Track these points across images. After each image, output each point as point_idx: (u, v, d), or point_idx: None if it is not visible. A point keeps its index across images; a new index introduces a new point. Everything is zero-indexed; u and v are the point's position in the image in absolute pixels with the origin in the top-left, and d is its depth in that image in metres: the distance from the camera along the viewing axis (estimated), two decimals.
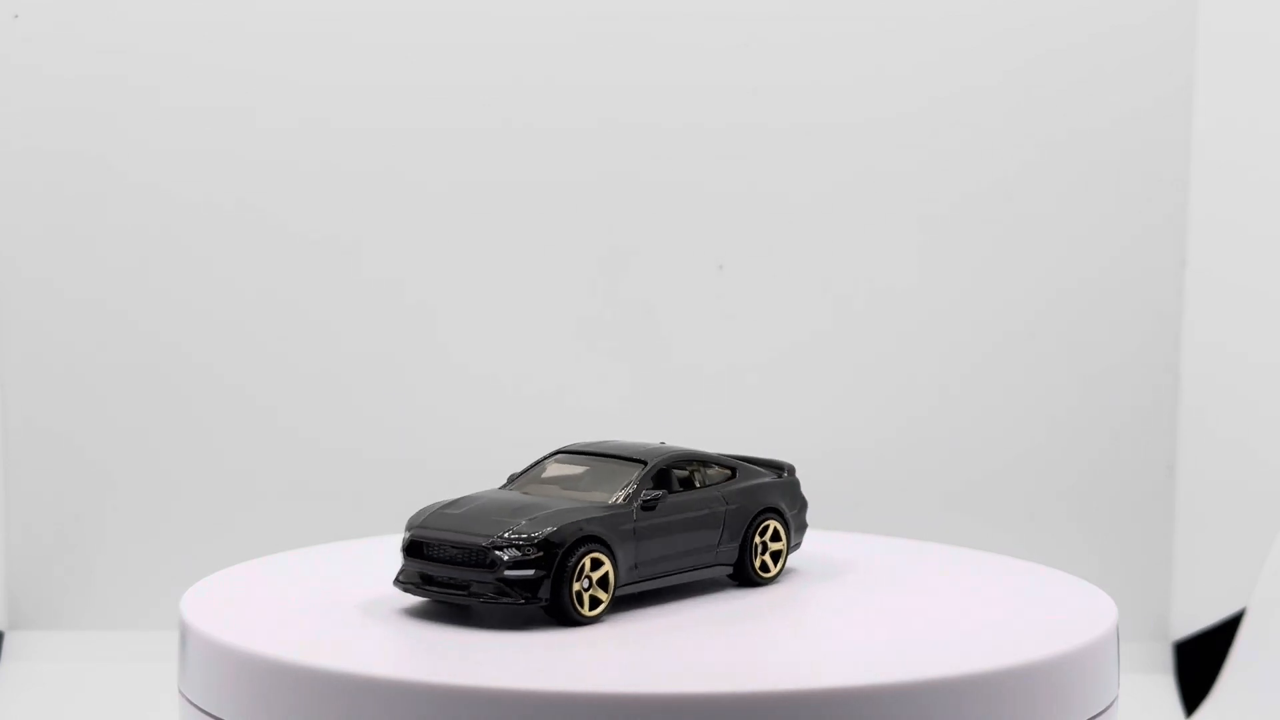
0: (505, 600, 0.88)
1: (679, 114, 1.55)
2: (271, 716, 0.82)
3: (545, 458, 0.98)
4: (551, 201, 1.56)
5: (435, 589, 0.89)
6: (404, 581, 0.91)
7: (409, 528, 0.91)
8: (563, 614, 0.88)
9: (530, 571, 0.87)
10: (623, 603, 0.92)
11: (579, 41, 1.54)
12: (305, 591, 0.96)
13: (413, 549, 0.90)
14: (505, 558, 0.88)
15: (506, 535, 0.88)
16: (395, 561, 1.02)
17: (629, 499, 0.92)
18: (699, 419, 1.56)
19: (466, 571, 0.88)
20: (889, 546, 1.10)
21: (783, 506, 0.99)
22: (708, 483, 0.96)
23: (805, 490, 1.03)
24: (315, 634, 0.87)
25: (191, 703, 0.88)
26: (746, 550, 0.96)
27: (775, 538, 0.97)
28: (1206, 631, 1.54)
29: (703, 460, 0.97)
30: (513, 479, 0.98)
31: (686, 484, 0.95)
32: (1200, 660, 1.54)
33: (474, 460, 1.51)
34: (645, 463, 0.94)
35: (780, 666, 0.82)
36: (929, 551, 1.08)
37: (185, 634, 0.89)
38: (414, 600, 0.94)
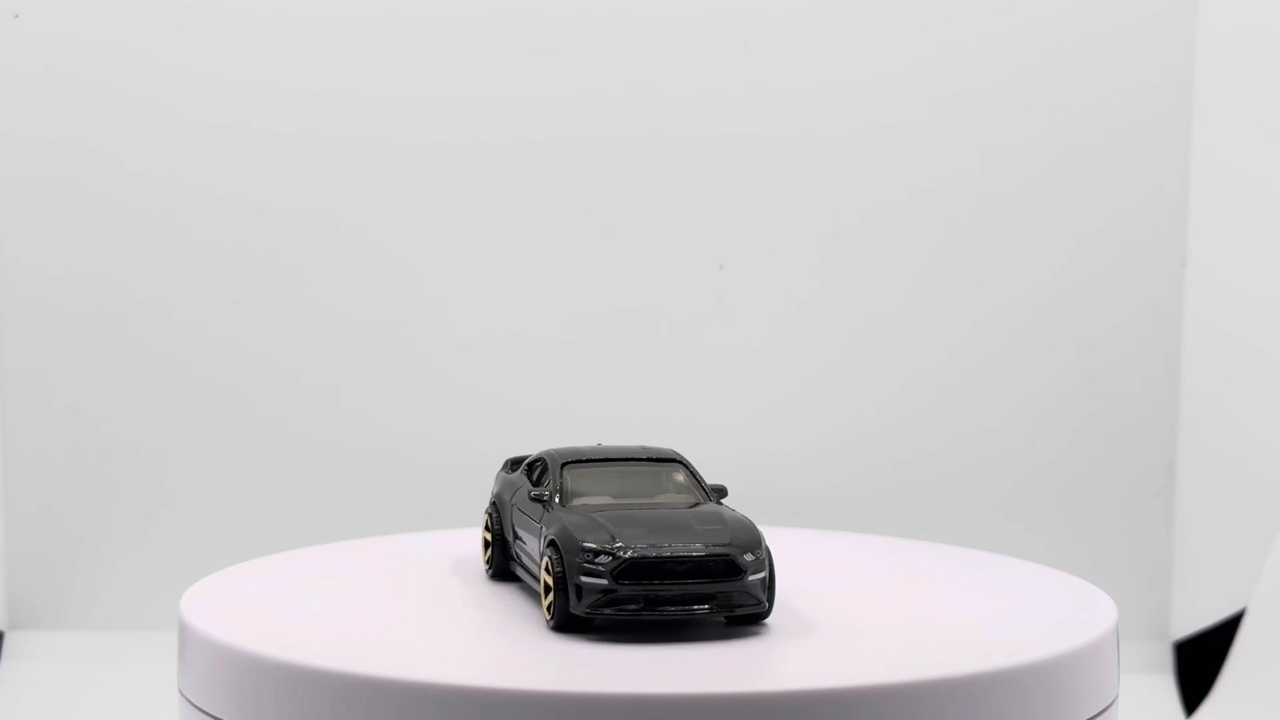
0: (749, 608, 0.87)
1: (679, 115, 1.55)
2: (271, 716, 0.82)
3: (542, 467, 0.96)
4: (551, 202, 1.56)
5: (672, 608, 0.85)
6: (617, 609, 0.85)
7: (620, 551, 0.85)
8: (762, 616, 0.88)
9: (763, 574, 0.87)
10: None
11: (579, 44, 1.54)
12: (305, 591, 0.96)
13: (632, 572, 0.85)
14: (750, 562, 0.86)
15: (740, 541, 0.87)
16: (396, 562, 1.02)
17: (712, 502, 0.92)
18: (698, 419, 1.56)
19: (710, 585, 0.86)
20: (889, 546, 1.10)
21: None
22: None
23: (805, 490, 1.02)
24: (315, 634, 0.87)
25: (191, 703, 0.88)
26: None
27: None
28: (1206, 631, 1.54)
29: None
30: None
31: None
32: (1200, 660, 1.54)
33: (474, 461, 1.51)
34: (682, 463, 0.95)
35: (779, 666, 0.82)
36: (929, 551, 1.09)
37: (185, 634, 0.89)
38: (413, 600, 0.94)
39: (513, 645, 0.86)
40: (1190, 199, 1.56)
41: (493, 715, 0.77)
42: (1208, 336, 1.56)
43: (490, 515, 0.99)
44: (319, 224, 1.55)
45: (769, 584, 0.87)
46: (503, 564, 0.98)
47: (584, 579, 0.85)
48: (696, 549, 0.86)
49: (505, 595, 0.95)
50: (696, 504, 0.92)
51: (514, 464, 1.02)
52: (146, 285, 1.55)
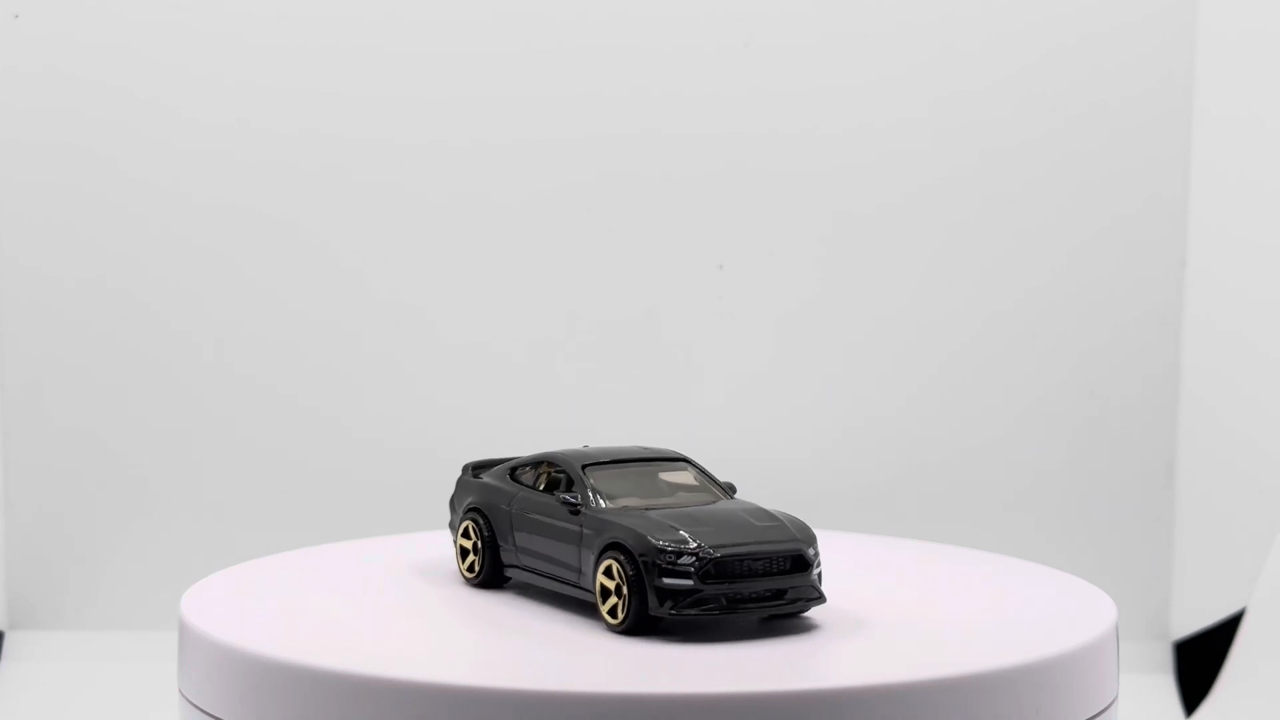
0: (813, 601, 0.88)
1: (679, 115, 1.55)
2: (271, 716, 0.82)
3: (551, 470, 0.95)
4: (552, 202, 1.56)
5: (751, 605, 0.86)
6: (702, 609, 0.85)
7: (704, 552, 0.85)
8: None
9: (821, 567, 0.89)
10: None
11: (579, 44, 1.54)
12: (305, 591, 0.96)
13: (715, 572, 0.86)
14: (813, 556, 0.88)
15: (803, 536, 0.88)
16: (396, 562, 1.02)
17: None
18: (698, 419, 1.56)
19: (783, 580, 0.87)
20: (889, 546, 1.10)
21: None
22: None
23: (804, 490, 1.02)
24: (315, 634, 0.87)
25: (191, 703, 0.88)
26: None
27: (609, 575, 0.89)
28: (1206, 631, 1.54)
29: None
30: (514, 472, 0.97)
31: None
32: (1200, 660, 1.54)
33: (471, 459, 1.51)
34: (690, 462, 0.96)
35: (779, 666, 0.82)
36: (929, 551, 1.09)
37: (185, 634, 0.89)
38: (413, 600, 0.94)
39: (512, 645, 0.86)
40: (1190, 199, 1.56)
41: (493, 715, 0.77)
42: (1208, 337, 1.56)
43: (475, 522, 0.96)
44: (319, 224, 1.55)
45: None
46: (492, 571, 0.96)
47: (666, 581, 0.85)
48: (771, 546, 0.87)
49: (505, 595, 0.95)
50: (717, 501, 0.92)
51: (476, 468, 1.01)
52: (147, 286, 1.55)
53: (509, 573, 0.96)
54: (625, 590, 0.86)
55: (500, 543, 0.95)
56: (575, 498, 0.91)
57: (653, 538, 0.86)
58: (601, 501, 0.90)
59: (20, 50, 1.52)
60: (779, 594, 0.87)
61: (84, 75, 1.53)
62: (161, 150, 1.54)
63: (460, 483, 1.00)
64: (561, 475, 0.94)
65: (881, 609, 0.93)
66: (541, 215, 1.56)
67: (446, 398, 1.56)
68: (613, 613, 0.87)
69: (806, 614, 0.90)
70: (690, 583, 0.85)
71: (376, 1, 1.54)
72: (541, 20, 1.54)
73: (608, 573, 0.87)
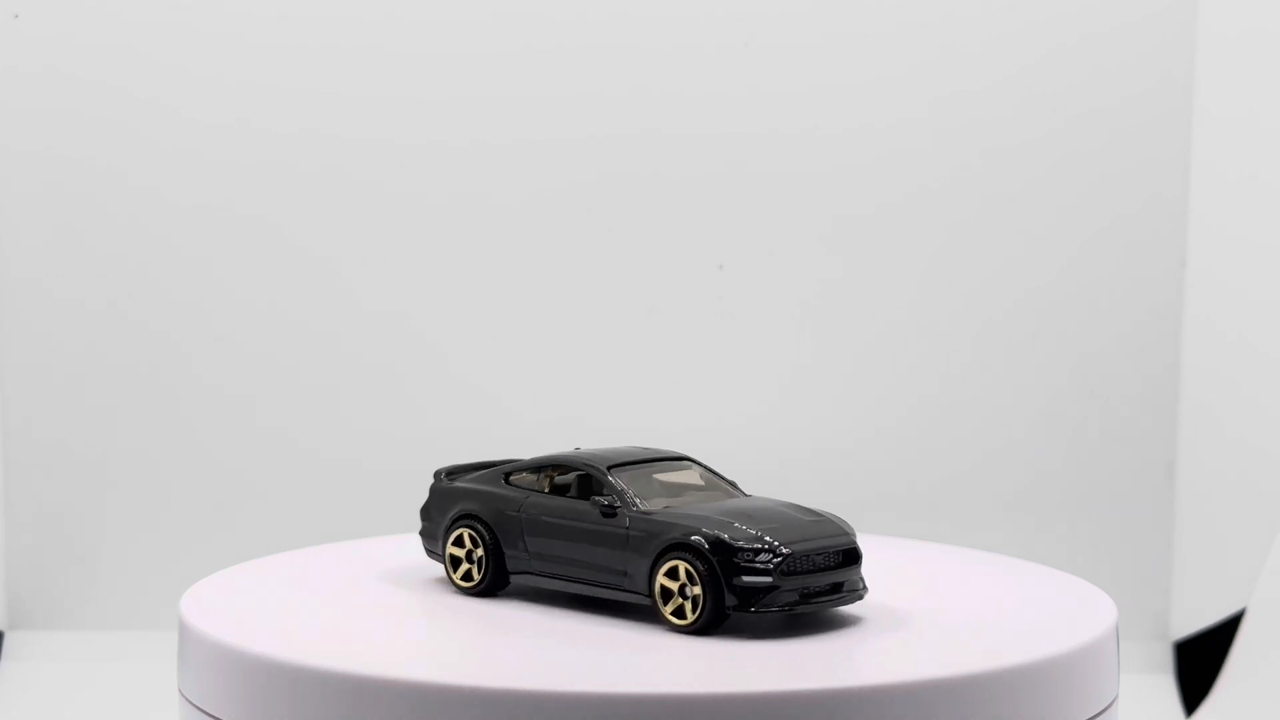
0: (861, 592, 0.90)
1: (679, 115, 1.55)
2: (271, 717, 0.82)
3: (563, 472, 0.94)
4: (551, 202, 1.56)
5: (820, 599, 0.87)
6: (780, 606, 0.86)
7: (777, 548, 0.86)
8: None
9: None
10: (622, 605, 0.92)
11: (579, 45, 1.54)
12: (305, 592, 0.96)
13: (789, 568, 0.86)
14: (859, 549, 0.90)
15: (850, 530, 0.90)
16: (396, 562, 1.02)
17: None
18: (698, 420, 1.56)
19: (842, 573, 0.88)
20: (888, 546, 1.10)
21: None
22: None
23: (803, 491, 1.02)
24: (315, 634, 0.87)
25: (191, 703, 0.88)
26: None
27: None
28: (1207, 631, 1.54)
29: None
30: (506, 474, 0.96)
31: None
32: (1200, 660, 1.54)
33: (469, 461, 1.51)
34: (694, 460, 0.96)
35: (779, 666, 0.82)
36: (928, 551, 1.08)
37: (184, 634, 0.89)
38: (413, 601, 0.94)
39: (512, 646, 0.86)
40: (1190, 199, 1.56)
41: (493, 715, 0.77)
42: (1208, 337, 1.56)
43: (473, 530, 0.94)
44: (319, 224, 1.55)
45: None
46: (495, 579, 0.94)
47: (746, 578, 0.85)
48: (831, 540, 0.88)
49: (504, 596, 0.95)
50: (745, 498, 0.94)
51: (450, 474, 0.99)
52: (146, 288, 1.55)
53: (516, 579, 0.94)
54: (698, 589, 0.86)
55: (506, 549, 0.93)
56: (611, 500, 0.90)
57: (729, 536, 0.86)
58: (640, 503, 0.90)
59: (20, 50, 1.52)
60: (837, 587, 0.88)
61: (84, 75, 1.53)
62: (162, 150, 1.54)
63: (437, 490, 0.98)
64: (572, 478, 0.93)
65: (881, 609, 0.93)
66: (541, 216, 1.56)
67: (446, 398, 1.56)
68: (677, 613, 0.87)
69: (802, 616, 0.90)
70: (769, 579, 0.86)
71: (376, 2, 1.54)
72: (542, 20, 1.54)
73: (670, 574, 0.87)
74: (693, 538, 0.86)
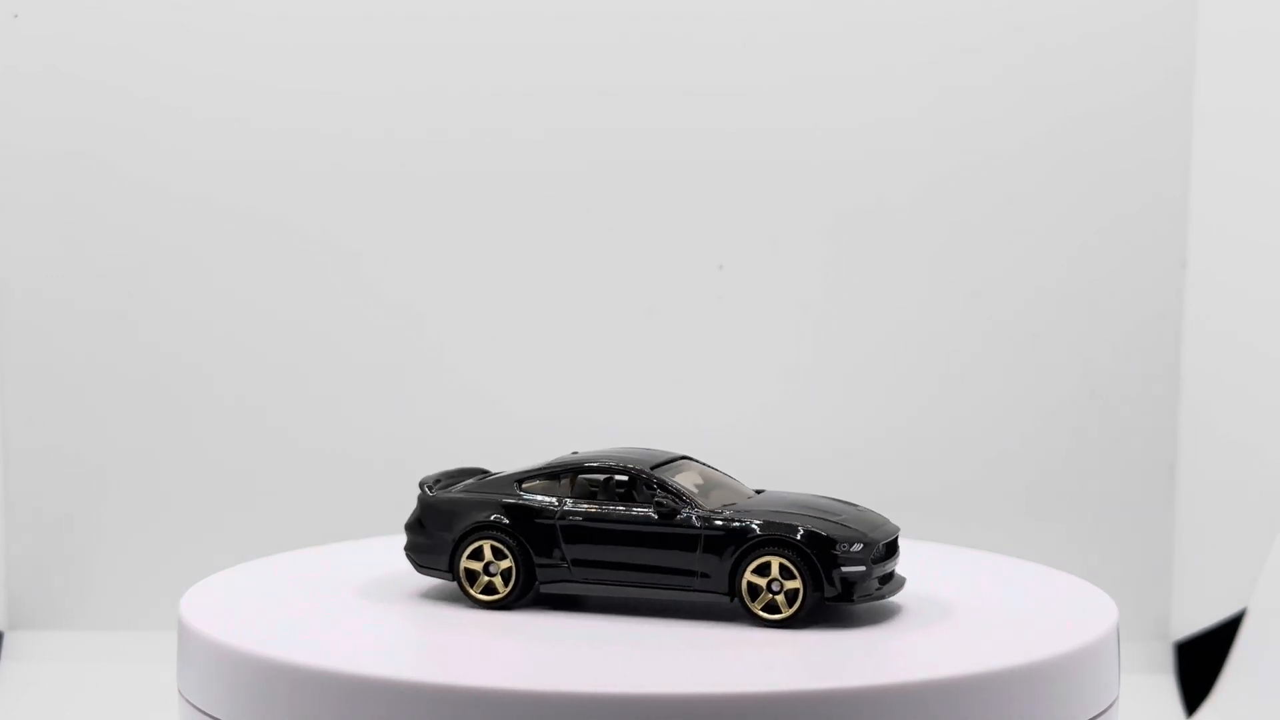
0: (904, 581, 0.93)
1: (679, 114, 1.55)
2: (271, 717, 0.82)
3: (588, 476, 0.93)
4: (552, 202, 1.56)
5: (884, 588, 0.91)
6: (871, 594, 0.90)
7: (867, 537, 0.89)
8: None
9: None
10: (627, 605, 0.92)
11: (579, 43, 1.54)
12: (304, 592, 0.96)
13: (875, 555, 0.90)
14: None
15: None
16: (396, 562, 1.02)
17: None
18: (698, 419, 1.56)
19: (893, 563, 0.92)
20: None
21: None
22: None
23: (806, 489, 1.02)
24: (315, 634, 0.87)
25: (191, 703, 0.88)
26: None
27: None
28: (1207, 632, 1.54)
29: None
30: (520, 479, 0.95)
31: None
32: (1201, 660, 1.54)
33: (470, 461, 1.51)
34: (693, 459, 0.97)
35: (779, 666, 0.82)
36: (930, 552, 1.08)
37: (184, 634, 0.89)
38: (413, 601, 0.94)
39: (512, 646, 0.86)
40: (1190, 200, 1.56)
41: (492, 715, 0.77)
42: (1208, 337, 1.56)
43: (499, 542, 0.91)
44: (319, 225, 1.55)
45: None
46: (524, 591, 0.91)
47: (846, 569, 0.88)
48: (889, 530, 0.92)
49: None
50: (774, 493, 0.96)
51: (435, 483, 0.96)
52: (147, 289, 1.55)
53: (549, 589, 0.92)
54: (795, 583, 0.87)
55: (538, 559, 0.91)
56: (670, 502, 0.90)
57: (824, 529, 0.88)
58: (703, 503, 0.90)
59: (20, 50, 1.52)
60: (891, 575, 0.92)
61: (84, 75, 1.52)
62: (162, 149, 1.54)
63: (435, 502, 0.95)
64: (600, 482, 0.92)
65: (882, 610, 0.93)
66: (541, 215, 1.56)
67: (446, 399, 1.56)
68: (769, 608, 0.88)
69: (802, 616, 0.91)
70: (864, 568, 0.89)
71: None
72: (541, 20, 1.54)
73: (760, 570, 0.88)
74: (781, 533, 0.88)
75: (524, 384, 1.56)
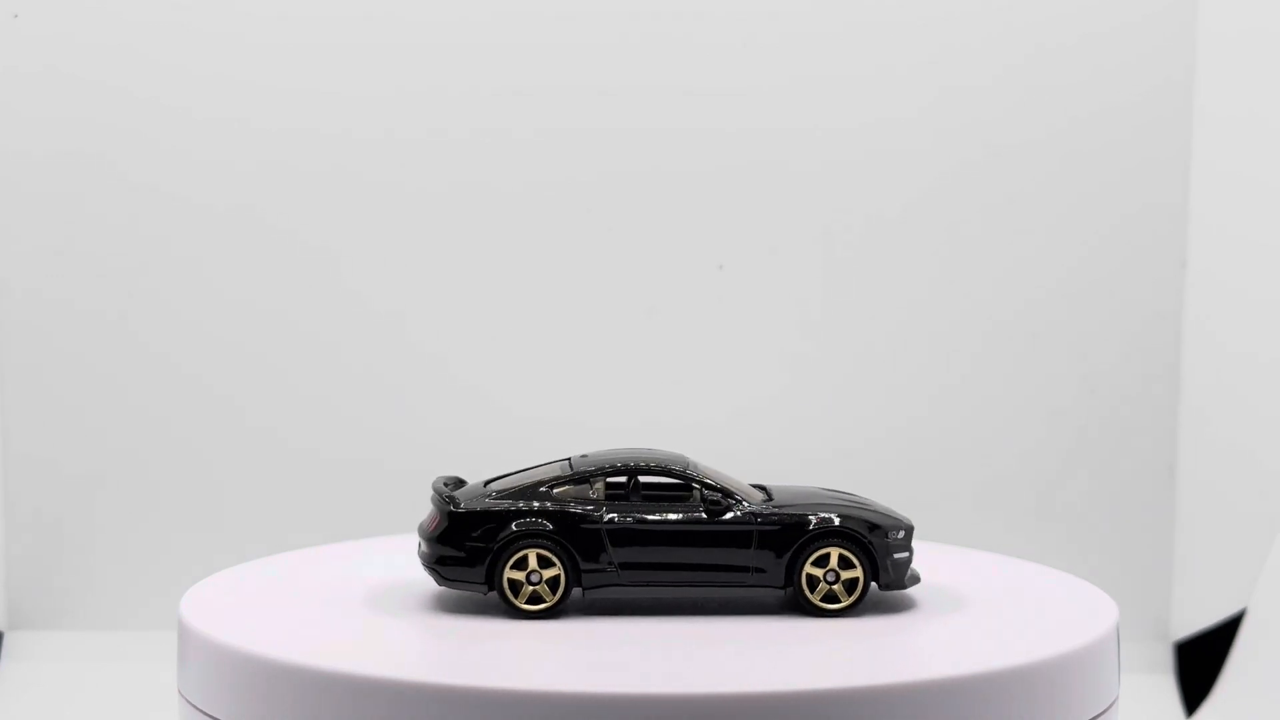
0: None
1: (679, 115, 1.55)
2: (271, 717, 0.82)
3: (629, 477, 0.93)
4: (551, 202, 1.56)
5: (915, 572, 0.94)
6: (914, 580, 0.93)
7: (903, 525, 0.92)
8: None
9: None
10: (626, 605, 0.92)
11: (579, 42, 1.54)
12: (304, 592, 0.96)
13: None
14: None
15: None
16: (397, 562, 1.02)
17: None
18: (698, 420, 1.56)
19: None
20: None
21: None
22: None
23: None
24: (314, 634, 0.87)
25: (191, 703, 0.88)
26: None
27: None
28: (1207, 632, 1.54)
29: None
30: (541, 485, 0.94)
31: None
32: (1201, 661, 1.54)
33: (470, 463, 1.51)
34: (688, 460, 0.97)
35: (780, 667, 0.82)
36: (929, 551, 1.08)
37: (184, 634, 0.89)
38: (414, 601, 0.94)
39: (512, 646, 0.86)
40: (1190, 200, 1.56)
41: (492, 715, 0.77)
42: (1208, 337, 1.56)
43: (547, 549, 0.90)
44: (318, 225, 1.55)
45: None
46: (566, 595, 0.90)
47: (897, 556, 0.92)
48: (909, 520, 0.94)
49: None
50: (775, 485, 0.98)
51: (460, 482, 0.95)
52: (147, 289, 1.55)
53: (594, 594, 0.91)
54: (854, 573, 0.90)
55: (584, 564, 0.90)
56: (720, 499, 0.91)
57: (882, 521, 0.91)
58: (750, 499, 0.92)
59: (20, 50, 1.52)
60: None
61: (84, 75, 1.52)
62: (161, 151, 1.54)
63: (468, 515, 0.91)
64: (627, 482, 0.92)
65: (881, 609, 0.93)
66: (541, 215, 1.56)
67: (445, 400, 1.56)
68: (828, 598, 0.90)
69: (803, 616, 0.91)
70: (908, 554, 0.92)
71: None
72: (541, 19, 1.54)
73: (818, 561, 0.90)
74: (841, 525, 0.90)
75: (524, 384, 1.56)
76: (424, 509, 0.96)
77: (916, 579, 0.93)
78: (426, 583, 0.97)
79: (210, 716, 0.86)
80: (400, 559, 1.03)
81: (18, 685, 1.50)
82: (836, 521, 0.90)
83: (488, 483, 0.94)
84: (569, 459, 0.95)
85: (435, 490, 0.93)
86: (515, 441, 1.52)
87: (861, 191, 1.56)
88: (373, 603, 0.94)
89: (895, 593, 0.96)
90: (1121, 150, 1.56)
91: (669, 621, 0.90)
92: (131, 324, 1.55)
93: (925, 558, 1.06)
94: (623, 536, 0.90)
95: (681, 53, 1.55)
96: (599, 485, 0.92)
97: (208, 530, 1.55)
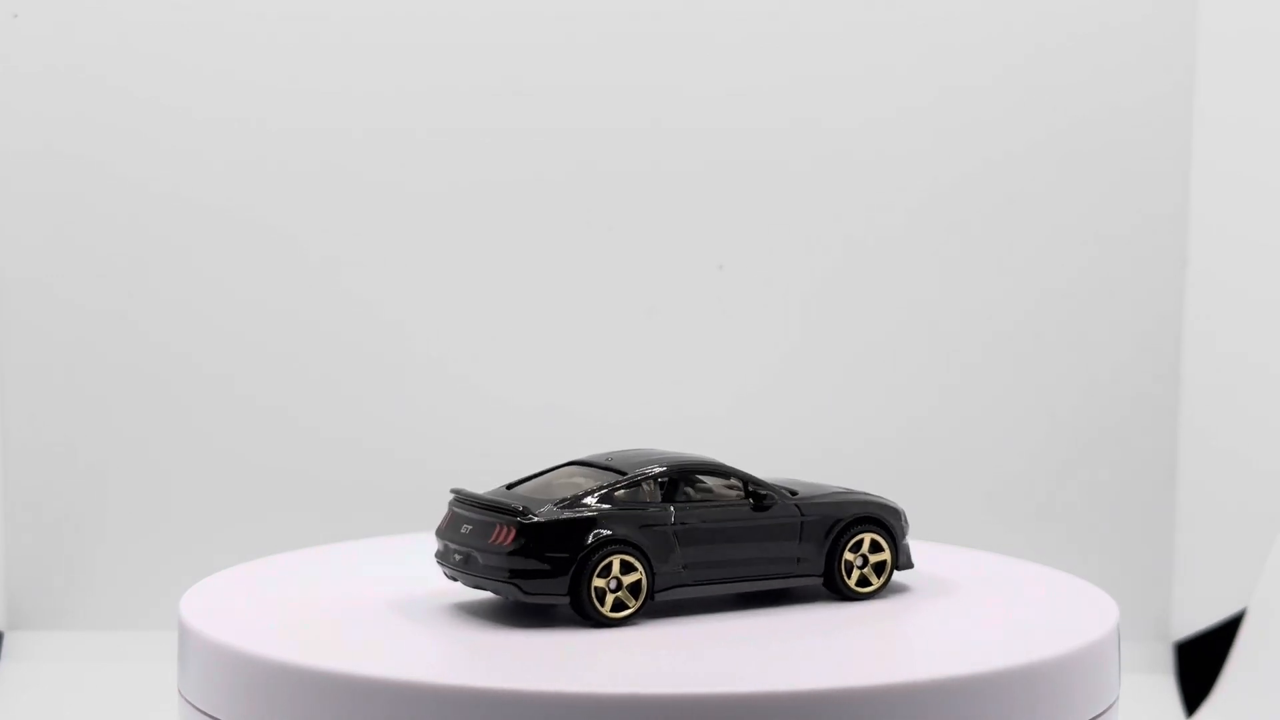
0: None
1: (679, 114, 1.55)
2: (271, 717, 0.82)
3: (690, 475, 0.93)
4: (551, 202, 1.56)
5: None
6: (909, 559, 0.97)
7: (903, 511, 0.97)
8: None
9: None
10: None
11: (579, 42, 1.54)
12: (304, 592, 0.96)
13: None
14: None
15: None
16: (397, 562, 1.02)
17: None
18: (699, 419, 1.56)
19: None
20: None
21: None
22: None
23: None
24: (315, 635, 0.87)
25: (191, 704, 0.88)
26: None
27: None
28: (1207, 632, 1.54)
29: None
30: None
31: None
32: (1201, 661, 1.54)
33: (471, 464, 1.51)
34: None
35: (781, 667, 0.82)
36: (929, 552, 1.08)
37: (184, 635, 0.89)
38: (414, 601, 0.94)
39: (512, 646, 0.86)
40: (1191, 200, 1.56)
41: (492, 716, 0.77)
42: (1208, 338, 1.56)
43: (628, 556, 0.88)
44: (319, 223, 1.55)
45: None
46: (649, 599, 0.89)
47: (906, 540, 0.97)
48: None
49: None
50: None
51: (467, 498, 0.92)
52: (146, 291, 1.55)
53: (665, 596, 0.90)
54: (883, 555, 0.95)
55: (656, 567, 0.89)
56: (767, 494, 0.93)
57: (894, 507, 0.96)
58: (787, 492, 0.95)
59: (20, 50, 1.52)
60: None
61: (84, 75, 1.52)
62: (162, 149, 1.54)
63: (545, 524, 0.88)
64: (667, 480, 0.91)
65: (882, 609, 0.93)
66: (541, 215, 1.56)
67: (446, 401, 1.56)
68: (861, 582, 0.94)
69: (809, 613, 0.91)
70: (908, 541, 0.97)
71: None
72: (541, 19, 1.54)
73: (853, 548, 0.94)
74: (872, 512, 0.95)
75: (525, 383, 1.56)
76: (424, 509, 0.96)
77: (911, 561, 0.98)
78: (426, 584, 0.97)
79: (210, 716, 0.86)
80: (400, 559, 1.03)
81: (18, 685, 1.50)
82: (869, 510, 0.94)
83: (510, 486, 0.94)
84: (586, 460, 0.94)
85: (489, 504, 0.90)
86: (515, 441, 1.52)
87: (861, 192, 1.56)
88: (373, 603, 0.94)
89: (895, 593, 0.96)
90: (1122, 151, 1.56)
91: (669, 622, 0.89)
92: (131, 323, 1.55)
93: (926, 557, 1.06)
94: (689, 537, 0.91)
95: (681, 52, 1.55)
96: (651, 488, 0.91)
97: (208, 530, 1.55)
